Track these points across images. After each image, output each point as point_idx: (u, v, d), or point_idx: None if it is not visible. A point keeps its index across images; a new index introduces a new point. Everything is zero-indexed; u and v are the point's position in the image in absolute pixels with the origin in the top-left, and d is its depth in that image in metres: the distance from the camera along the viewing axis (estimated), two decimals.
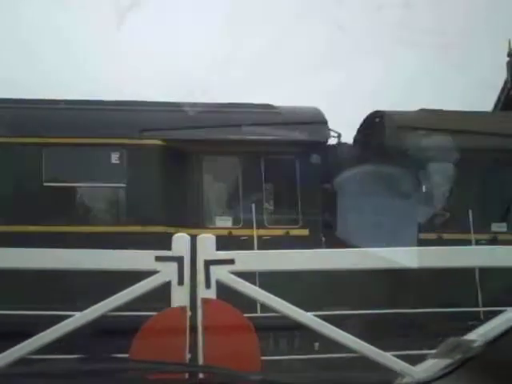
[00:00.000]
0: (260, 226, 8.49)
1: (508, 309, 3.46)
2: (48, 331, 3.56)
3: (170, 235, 3.72)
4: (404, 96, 14.46)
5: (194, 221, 8.38)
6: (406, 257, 4.15)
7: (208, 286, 3.65)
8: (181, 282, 3.64)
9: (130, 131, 8.59)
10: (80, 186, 8.81)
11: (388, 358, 3.52)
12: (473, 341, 2.86)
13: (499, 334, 2.83)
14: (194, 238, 3.67)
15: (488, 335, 2.92)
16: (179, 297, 3.62)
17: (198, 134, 8.66)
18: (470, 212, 8.82)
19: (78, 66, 15.72)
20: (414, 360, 3.42)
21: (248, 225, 8.48)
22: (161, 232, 7.73)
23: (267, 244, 7.94)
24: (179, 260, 3.67)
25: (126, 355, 3.45)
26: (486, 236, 8.66)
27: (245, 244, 7.96)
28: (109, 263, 3.84)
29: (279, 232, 8.58)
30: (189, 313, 3.58)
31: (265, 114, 9.11)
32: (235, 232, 8.45)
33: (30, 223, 8.05)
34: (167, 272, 3.67)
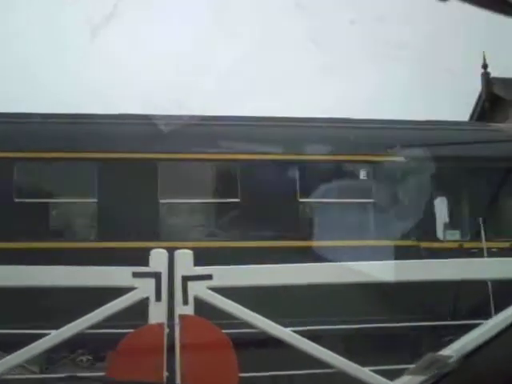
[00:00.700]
0: (487, 238, 8.77)
1: (483, 322, 3.49)
2: (23, 350, 3.51)
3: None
4: (377, 110, 14.57)
5: (427, 234, 8.70)
6: (383, 270, 4.17)
7: (186, 302, 3.63)
8: (158, 298, 3.62)
9: (378, 148, 8.86)
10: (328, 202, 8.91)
11: (365, 373, 3.53)
12: (449, 356, 2.87)
13: (474, 349, 2.84)
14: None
15: (463, 350, 2.94)
16: (157, 313, 3.60)
17: (433, 151, 8.86)
18: None
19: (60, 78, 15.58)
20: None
21: (475, 238, 8.79)
22: (409, 245, 8.16)
23: (495, 256, 8.11)
24: (157, 276, 3.65)
25: (102, 373, 3.42)
26: None
27: (474, 256, 8.19)
28: (85, 280, 3.80)
29: (504, 244, 8.77)
30: (166, 330, 3.56)
31: (486, 132, 9.73)
32: (465, 245, 8.74)
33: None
34: (145, 288, 3.64)
